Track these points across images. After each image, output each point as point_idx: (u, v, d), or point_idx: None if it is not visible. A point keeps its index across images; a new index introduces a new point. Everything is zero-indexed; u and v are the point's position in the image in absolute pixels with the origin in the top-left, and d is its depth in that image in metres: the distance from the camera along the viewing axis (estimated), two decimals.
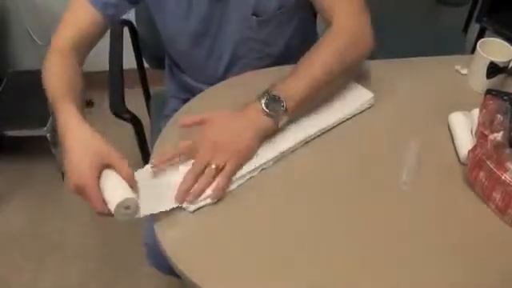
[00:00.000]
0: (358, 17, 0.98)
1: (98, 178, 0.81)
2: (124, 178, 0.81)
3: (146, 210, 0.81)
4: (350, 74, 1.05)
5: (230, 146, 0.86)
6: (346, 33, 0.96)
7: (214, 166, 0.83)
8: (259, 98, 0.88)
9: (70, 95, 0.92)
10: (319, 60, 0.93)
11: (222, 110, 0.90)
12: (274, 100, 0.88)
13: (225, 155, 0.85)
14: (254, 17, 1.07)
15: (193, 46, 1.12)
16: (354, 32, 0.97)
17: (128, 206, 0.79)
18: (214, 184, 0.83)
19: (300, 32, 1.16)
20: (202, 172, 0.84)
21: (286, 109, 0.88)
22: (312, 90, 0.91)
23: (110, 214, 0.80)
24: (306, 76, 0.91)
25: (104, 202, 0.81)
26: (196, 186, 0.83)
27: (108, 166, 0.82)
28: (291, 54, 1.19)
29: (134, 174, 0.83)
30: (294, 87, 0.90)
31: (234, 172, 0.85)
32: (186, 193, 0.82)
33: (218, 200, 0.84)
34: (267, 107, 0.87)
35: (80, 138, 0.83)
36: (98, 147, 0.82)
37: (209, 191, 0.83)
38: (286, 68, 0.99)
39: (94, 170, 0.80)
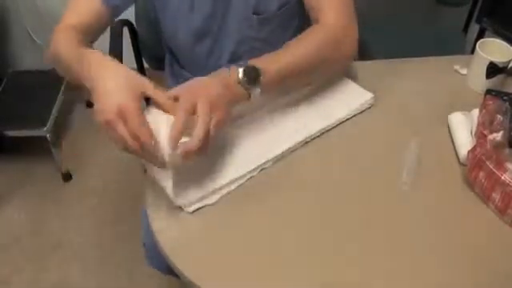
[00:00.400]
0: (345, 19, 0.98)
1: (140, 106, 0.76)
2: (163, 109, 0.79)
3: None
4: (347, 71, 1.06)
5: (218, 100, 0.81)
6: (330, 30, 0.97)
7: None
8: (238, 66, 0.86)
9: (90, 49, 0.90)
10: (299, 48, 0.94)
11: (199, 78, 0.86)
12: (250, 70, 0.86)
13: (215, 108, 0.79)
14: (255, 16, 1.07)
15: (194, 44, 1.12)
16: (337, 31, 0.97)
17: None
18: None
19: (301, 31, 1.16)
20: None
21: (261, 81, 0.86)
22: (288, 72, 0.90)
23: (138, 151, 0.75)
24: (285, 57, 0.91)
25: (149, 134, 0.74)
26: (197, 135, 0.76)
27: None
28: None
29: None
30: (272, 65, 0.89)
31: (208, 125, 0.77)
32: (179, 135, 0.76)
33: (217, 201, 0.84)
34: (243, 76, 0.85)
35: (116, 70, 0.79)
36: (136, 77, 0.79)
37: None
38: None
39: (137, 100, 0.76)
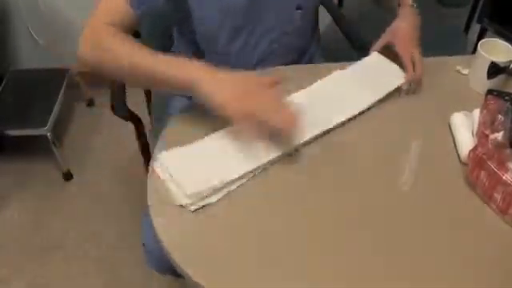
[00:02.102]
0: None
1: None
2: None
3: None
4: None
5: (415, 38, 1.12)
6: None
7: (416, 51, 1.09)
8: (409, 6, 1.17)
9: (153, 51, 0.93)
10: None
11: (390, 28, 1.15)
12: (412, 5, 1.18)
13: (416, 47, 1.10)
14: (299, 10, 1.10)
15: (228, 41, 1.11)
16: None
17: None
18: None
19: (316, 27, 1.24)
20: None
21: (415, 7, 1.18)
22: None
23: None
24: None
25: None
26: (420, 71, 1.07)
27: None
28: (307, 51, 1.21)
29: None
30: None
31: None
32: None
33: (219, 199, 0.84)
34: (416, 8, 1.17)
35: (221, 72, 0.89)
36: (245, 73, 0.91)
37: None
38: (290, 68, 1.05)
39: (272, 82, 0.90)
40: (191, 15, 1.07)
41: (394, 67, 1.09)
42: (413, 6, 1.17)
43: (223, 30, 1.09)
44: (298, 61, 1.21)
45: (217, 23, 1.08)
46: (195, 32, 1.12)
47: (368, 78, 1.08)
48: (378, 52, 1.14)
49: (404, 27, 1.14)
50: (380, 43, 1.13)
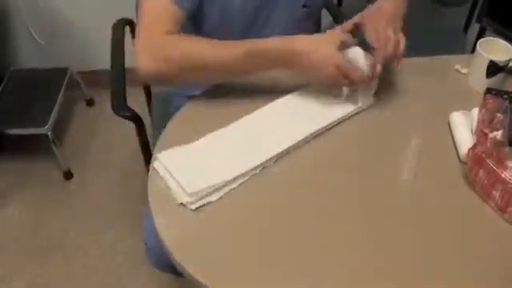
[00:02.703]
0: None
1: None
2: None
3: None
4: None
5: (395, 19, 1.02)
6: None
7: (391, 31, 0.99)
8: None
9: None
10: None
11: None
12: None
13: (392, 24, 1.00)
14: (305, 9, 1.11)
15: (238, 40, 1.12)
16: None
17: None
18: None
19: (319, 28, 1.25)
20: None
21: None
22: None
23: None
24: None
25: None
26: (391, 48, 0.96)
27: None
28: None
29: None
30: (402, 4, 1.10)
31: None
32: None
33: (220, 198, 0.85)
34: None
35: (311, 39, 0.96)
36: (326, 36, 0.97)
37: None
38: None
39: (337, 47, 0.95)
40: (200, 14, 1.08)
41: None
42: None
43: (232, 30, 1.10)
44: None
45: (226, 22, 1.08)
46: (203, 31, 1.12)
47: None
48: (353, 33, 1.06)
49: (378, 6, 1.06)
50: (350, 22, 1.05)
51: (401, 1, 1.10)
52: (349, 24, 1.04)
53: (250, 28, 1.10)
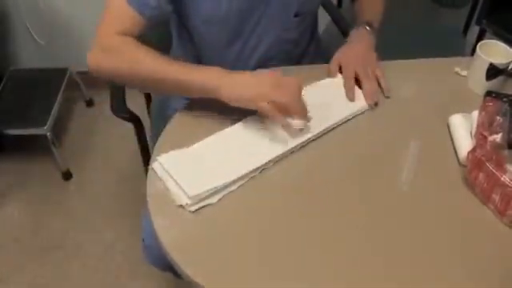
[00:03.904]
0: None
1: None
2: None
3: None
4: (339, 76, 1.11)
5: (367, 58, 1.09)
6: None
7: (370, 71, 1.06)
8: (362, 25, 1.14)
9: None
10: (380, 6, 1.24)
11: (341, 48, 1.12)
12: (370, 24, 1.15)
13: (369, 66, 1.07)
14: (296, 18, 1.10)
15: (226, 46, 1.12)
16: None
17: None
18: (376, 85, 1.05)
19: (315, 30, 1.24)
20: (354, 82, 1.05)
21: (375, 28, 1.16)
22: (380, 22, 1.20)
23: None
24: (378, 14, 1.21)
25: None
26: (369, 86, 1.04)
27: None
28: (307, 53, 1.21)
29: None
30: (375, 18, 1.18)
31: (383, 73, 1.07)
32: (354, 96, 1.03)
33: (219, 200, 0.85)
34: (369, 28, 1.14)
35: (242, 73, 0.95)
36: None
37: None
38: (292, 68, 1.08)
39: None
40: (188, 20, 1.08)
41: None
42: (367, 27, 1.15)
43: (219, 37, 1.10)
44: (297, 63, 1.22)
45: (213, 29, 1.09)
46: (193, 37, 1.12)
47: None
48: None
49: (351, 48, 1.13)
50: (332, 68, 1.10)
51: (369, 37, 1.14)
52: (332, 69, 1.09)
53: (235, 39, 1.10)
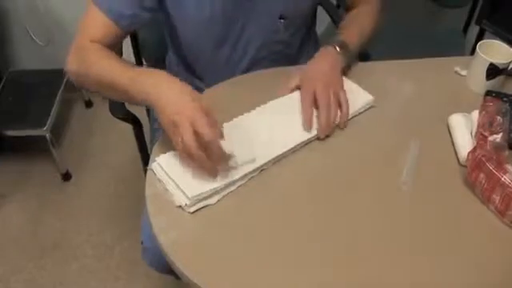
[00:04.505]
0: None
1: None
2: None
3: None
4: (348, 72, 1.09)
5: (331, 78, 1.00)
6: (375, 7, 1.18)
7: (332, 93, 0.96)
8: (332, 44, 1.05)
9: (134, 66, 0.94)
10: (365, 25, 1.15)
11: (303, 66, 1.04)
12: (342, 44, 1.06)
13: (331, 87, 0.97)
14: (282, 20, 1.08)
15: (214, 49, 1.12)
16: (378, 6, 1.19)
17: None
18: (339, 113, 0.97)
19: (310, 30, 1.21)
20: (313, 102, 0.96)
21: (349, 50, 1.06)
22: (360, 42, 1.11)
23: (198, 155, 0.81)
24: (357, 34, 1.12)
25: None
26: (325, 119, 0.94)
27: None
28: (302, 53, 1.21)
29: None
30: (351, 38, 1.09)
31: (346, 98, 0.98)
32: (311, 121, 0.94)
33: (218, 200, 0.84)
34: (339, 49, 1.05)
35: (178, 83, 0.86)
36: (191, 90, 0.86)
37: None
38: (291, 68, 1.06)
39: (198, 101, 0.83)
40: (175, 25, 1.09)
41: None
42: (337, 47, 1.05)
43: (205, 41, 1.10)
44: (294, 63, 1.20)
45: (198, 34, 1.09)
46: (181, 42, 1.13)
47: None
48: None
49: (314, 64, 1.04)
50: (290, 85, 1.03)
51: (336, 57, 1.04)
52: (291, 84, 1.03)
53: (222, 43, 1.10)
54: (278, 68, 1.12)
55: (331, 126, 0.95)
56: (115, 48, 1.03)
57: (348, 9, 1.20)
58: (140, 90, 0.87)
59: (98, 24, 0.98)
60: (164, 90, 0.85)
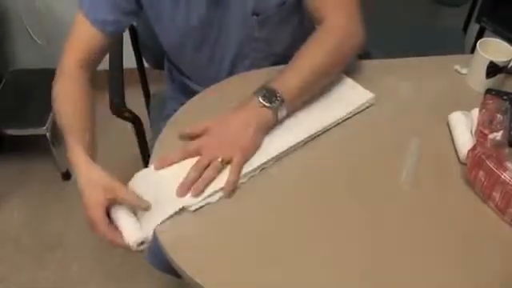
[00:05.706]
0: (349, 16, 1.00)
1: (106, 213, 0.84)
2: (131, 209, 0.85)
3: (151, 224, 0.82)
4: (347, 71, 1.06)
5: (234, 143, 0.87)
6: (337, 33, 0.99)
7: (220, 159, 0.85)
8: (255, 93, 0.91)
9: (80, 131, 0.96)
10: (312, 58, 0.96)
11: (220, 114, 0.92)
12: (269, 92, 0.90)
13: (230, 151, 0.86)
14: (255, 16, 1.07)
15: (194, 52, 1.12)
16: (344, 32, 0.99)
17: (143, 242, 0.84)
18: (225, 179, 0.84)
19: (302, 29, 1.17)
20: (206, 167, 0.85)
21: (283, 100, 0.90)
22: (306, 84, 0.94)
23: (123, 246, 0.86)
24: (299, 73, 0.94)
25: (117, 234, 0.85)
26: (200, 179, 0.83)
27: (116, 201, 0.83)
28: (295, 50, 1.20)
29: (140, 205, 0.84)
30: (287, 82, 0.93)
31: (241, 166, 0.86)
32: (188, 187, 0.83)
33: (219, 199, 0.84)
34: (264, 100, 0.89)
35: (87, 175, 0.85)
36: (104, 184, 0.83)
37: (217, 186, 0.84)
38: (280, 67, 1.00)
39: (100, 207, 0.82)
40: (154, 29, 1.11)
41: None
42: (260, 98, 0.89)
43: (185, 45, 1.11)
44: (284, 62, 1.07)
45: (176, 39, 1.11)
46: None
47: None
48: None
49: (220, 123, 0.90)
50: (195, 129, 0.91)
51: (257, 111, 0.89)
52: (196, 128, 0.91)
53: (202, 44, 1.11)
54: (278, 67, 1.11)
55: (197, 190, 0.82)
56: (104, 55, 1.08)
57: (318, 22, 1.04)
58: (69, 159, 0.90)
59: (85, 37, 1.02)
60: (77, 175, 0.86)
